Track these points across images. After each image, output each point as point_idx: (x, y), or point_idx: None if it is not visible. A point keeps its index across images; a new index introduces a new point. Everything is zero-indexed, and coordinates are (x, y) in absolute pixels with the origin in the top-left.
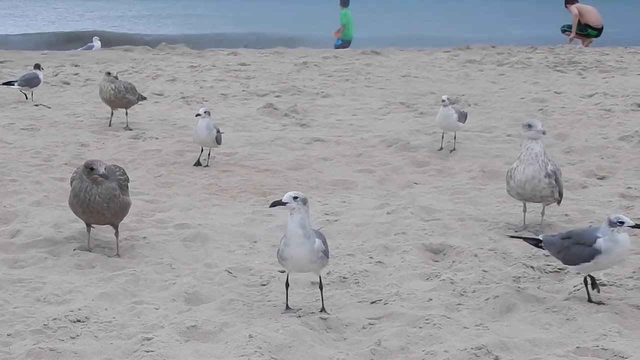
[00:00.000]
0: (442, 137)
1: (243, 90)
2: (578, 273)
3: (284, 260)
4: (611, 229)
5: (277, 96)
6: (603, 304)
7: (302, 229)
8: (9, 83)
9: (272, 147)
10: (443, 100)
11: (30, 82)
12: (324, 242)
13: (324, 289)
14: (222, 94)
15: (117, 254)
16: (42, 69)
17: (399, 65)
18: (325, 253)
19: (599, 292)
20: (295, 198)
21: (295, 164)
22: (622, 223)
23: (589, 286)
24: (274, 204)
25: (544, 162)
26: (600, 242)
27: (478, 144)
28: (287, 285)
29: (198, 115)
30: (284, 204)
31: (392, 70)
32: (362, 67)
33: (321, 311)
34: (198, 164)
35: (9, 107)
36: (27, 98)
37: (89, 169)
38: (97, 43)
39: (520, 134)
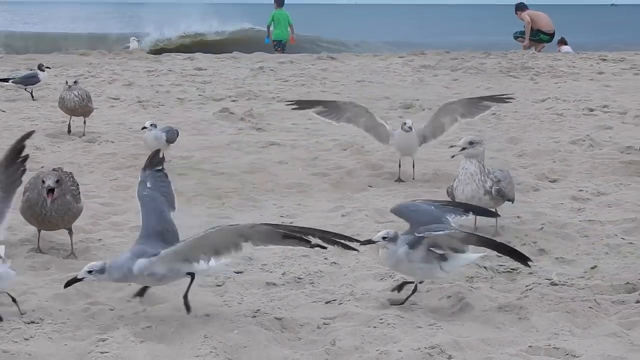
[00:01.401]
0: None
1: (199, 95)
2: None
3: None
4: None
5: (233, 100)
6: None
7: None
8: (5, 80)
9: (228, 150)
10: (404, 124)
11: (27, 80)
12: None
13: (269, 292)
14: (178, 98)
15: (72, 253)
16: (45, 69)
17: (355, 70)
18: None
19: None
20: (384, 238)
21: (251, 168)
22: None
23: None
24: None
25: (480, 180)
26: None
27: (432, 148)
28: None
29: (144, 128)
30: (374, 242)
31: (347, 76)
32: (318, 72)
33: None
34: None
35: None
36: (33, 98)
37: (42, 181)
38: (134, 43)
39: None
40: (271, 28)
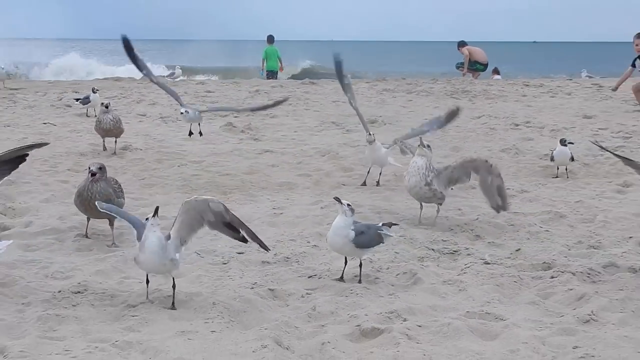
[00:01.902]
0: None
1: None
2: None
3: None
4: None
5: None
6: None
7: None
8: (77, 100)
9: (231, 156)
10: (368, 134)
11: (84, 101)
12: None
13: (264, 268)
14: None
15: (113, 243)
16: (97, 92)
17: (331, 93)
18: (359, 245)
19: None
20: (348, 205)
21: (249, 170)
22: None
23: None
24: (337, 199)
25: (424, 174)
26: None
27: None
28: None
29: (182, 113)
30: (341, 203)
31: (325, 97)
32: (302, 94)
33: (252, 287)
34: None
35: (22, 125)
36: (87, 115)
37: (88, 168)
38: (178, 71)
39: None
40: (265, 62)
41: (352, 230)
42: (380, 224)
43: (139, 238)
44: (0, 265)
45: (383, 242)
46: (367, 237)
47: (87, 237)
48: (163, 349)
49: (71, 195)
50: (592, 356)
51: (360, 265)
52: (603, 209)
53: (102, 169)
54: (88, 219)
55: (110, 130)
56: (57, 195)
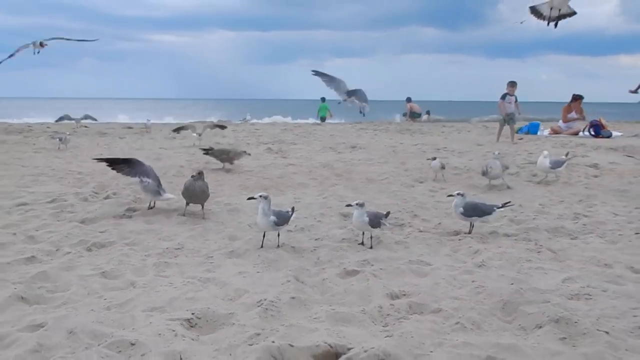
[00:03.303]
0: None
1: (256, 141)
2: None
3: (256, 225)
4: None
5: (272, 144)
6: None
7: (262, 210)
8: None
9: (269, 168)
10: (351, 205)
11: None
12: (279, 217)
13: (288, 234)
14: (247, 143)
15: (203, 217)
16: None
17: (330, 130)
18: (277, 223)
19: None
20: (260, 195)
21: (280, 175)
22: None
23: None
24: (249, 198)
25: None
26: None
27: (364, 167)
28: (263, 235)
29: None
30: (254, 198)
31: (326, 133)
32: (312, 131)
33: (278, 246)
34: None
35: (147, 148)
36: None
37: (198, 173)
38: (249, 116)
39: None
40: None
41: (367, 216)
42: (384, 213)
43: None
44: (131, 233)
45: (380, 227)
46: (375, 221)
47: (184, 215)
48: (228, 282)
49: (176, 190)
50: (483, 286)
51: (371, 237)
52: (491, 198)
53: (200, 173)
54: (187, 204)
55: (197, 195)
56: (166, 189)
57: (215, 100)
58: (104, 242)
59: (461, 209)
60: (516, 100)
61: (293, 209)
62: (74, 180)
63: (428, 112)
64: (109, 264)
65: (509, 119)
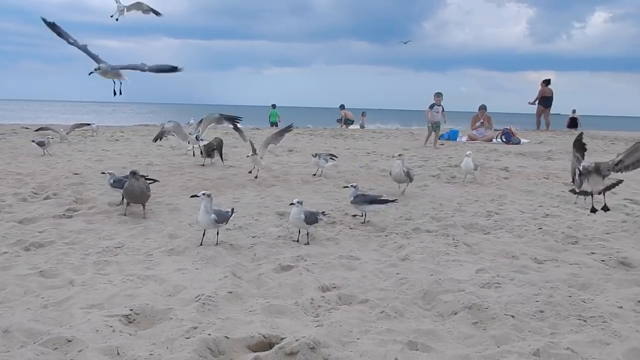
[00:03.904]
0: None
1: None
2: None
3: (197, 222)
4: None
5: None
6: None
7: (204, 208)
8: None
9: (210, 169)
10: (293, 203)
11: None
12: (219, 216)
13: (227, 232)
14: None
15: (144, 217)
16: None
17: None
18: (218, 221)
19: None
20: (204, 194)
21: (221, 177)
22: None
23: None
24: (192, 196)
25: (401, 167)
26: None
27: (300, 169)
28: (203, 233)
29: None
30: (197, 196)
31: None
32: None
33: (216, 244)
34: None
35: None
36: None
37: (132, 173)
38: (192, 120)
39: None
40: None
41: (303, 214)
42: (320, 212)
43: None
44: (71, 232)
45: (317, 222)
46: (311, 218)
47: (125, 215)
48: (167, 279)
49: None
50: (406, 278)
51: (307, 233)
52: (414, 198)
53: (134, 173)
54: (128, 204)
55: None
56: (109, 189)
57: (160, 104)
58: (43, 241)
59: (352, 198)
60: (443, 110)
61: (233, 209)
62: (13, 181)
63: (364, 114)
64: (47, 263)
65: (435, 127)
